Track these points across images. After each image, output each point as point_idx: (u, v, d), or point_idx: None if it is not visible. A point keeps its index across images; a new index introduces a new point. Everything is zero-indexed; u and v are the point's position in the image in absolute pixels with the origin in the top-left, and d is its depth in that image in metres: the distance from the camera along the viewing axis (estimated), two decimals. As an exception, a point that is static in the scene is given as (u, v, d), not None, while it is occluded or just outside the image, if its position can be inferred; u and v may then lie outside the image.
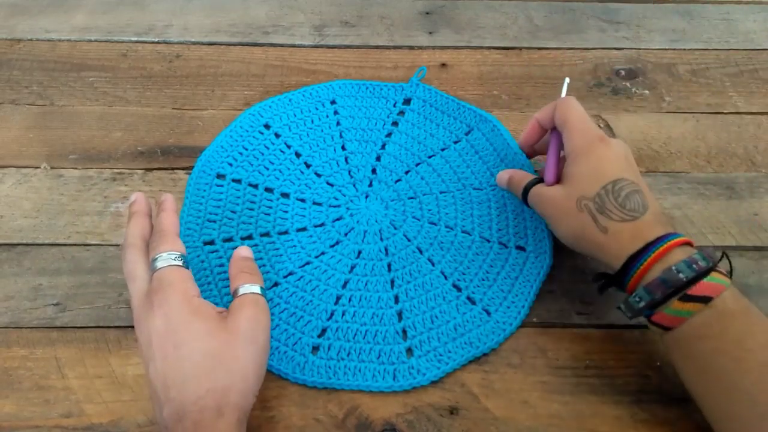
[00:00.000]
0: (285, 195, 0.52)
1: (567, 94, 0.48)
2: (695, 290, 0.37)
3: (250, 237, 0.50)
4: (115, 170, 0.54)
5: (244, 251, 0.43)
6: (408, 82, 0.60)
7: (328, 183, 0.53)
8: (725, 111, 0.60)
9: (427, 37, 0.66)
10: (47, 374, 0.43)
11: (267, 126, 0.57)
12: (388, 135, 0.57)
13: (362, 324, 0.45)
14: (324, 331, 0.45)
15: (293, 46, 0.65)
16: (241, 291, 0.40)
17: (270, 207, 0.51)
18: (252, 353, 0.37)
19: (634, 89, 0.62)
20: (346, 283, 0.48)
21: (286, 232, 0.50)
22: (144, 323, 0.37)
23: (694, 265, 0.37)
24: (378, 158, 0.55)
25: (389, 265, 0.49)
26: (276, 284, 0.47)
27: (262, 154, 0.55)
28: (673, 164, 0.56)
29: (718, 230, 0.51)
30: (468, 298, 0.47)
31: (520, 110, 0.60)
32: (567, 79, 0.50)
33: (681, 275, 0.37)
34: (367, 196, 0.53)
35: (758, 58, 0.65)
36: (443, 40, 0.66)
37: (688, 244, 0.40)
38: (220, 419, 0.35)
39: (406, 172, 0.54)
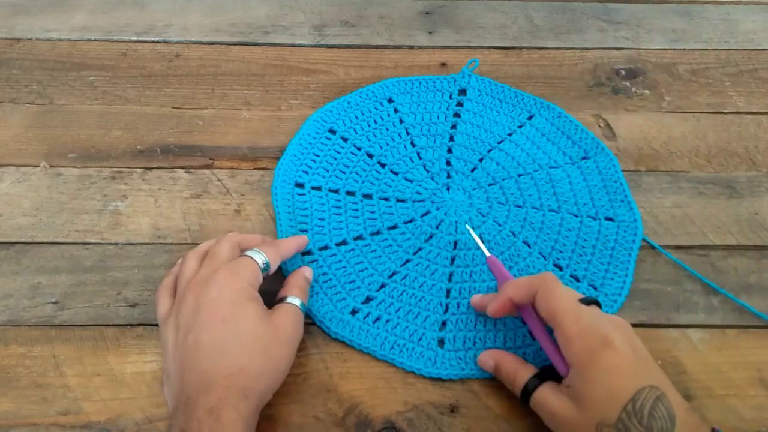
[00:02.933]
0: (367, 196, 0.52)
1: None
2: None
3: (344, 242, 0.49)
4: (115, 169, 0.54)
5: (307, 272, 0.45)
6: (460, 74, 0.61)
7: (406, 179, 0.53)
8: (725, 111, 0.60)
9: (427, 36, 0.66)
10: (45, 372, 0.43)
11: (332, 131, 0.56)
12: (453, 127, 0.57)
13: (480, 314, 0.45)
14: (444, 324, 0.45)
15: (293, 45, 0.65)
16: (289, 300, 0.42)
17: (356, 210, 0.51)
18: (286, 353, 0.40)
19: (634, 89, 0.62)
20: (451, 275, 0.48)
21: (378, 233, 0.50)
22: (201, 290, 0.39)
23: None
24: (449, 150, 0.55)
25: None
26: (383, 285, 0.47)
27: (335, 159, 0.54)
28: (674, 163, 0.56)
29: (719, 229, 0.51)
30: (571, 276, 0.48)
31: (520, 110, 0.60)
32: (469, 228, 0.48)
33: None
34: (448, 188, 0.53)
35: (758, 58, 0.65)
36: (443, 39, 0.66)
37: None
38: (244, 401, 0.36)
39: (480, 160, 0.55)
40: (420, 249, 0.49)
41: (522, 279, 0.41)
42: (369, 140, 0.56)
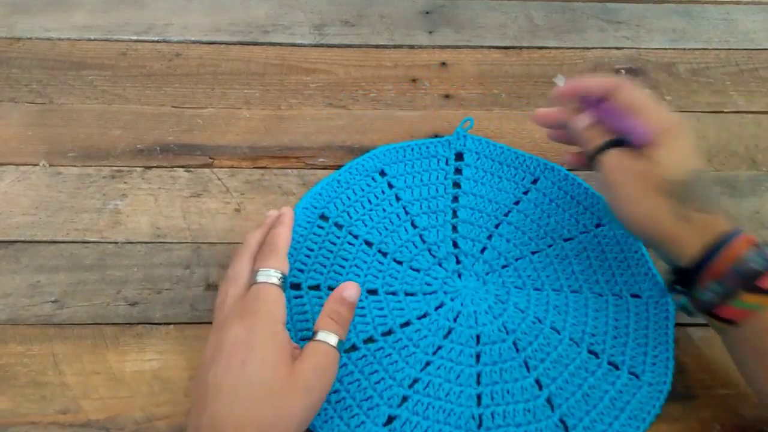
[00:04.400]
0: (372, 292, 0.47)
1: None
2: (765, 282, 0.35)
3: (354, 348, 0.44)
4: (114, 168, 0.54)
5: (347, 291, 0.40)
6: (454, 135, 0.55)
7: (412, 269, 0.48)
8: (726, 110, 0.60)
9: (427, 36, 0.66)
10: (44, 370, 0.42)
11: (324, 217, 0.50)
12: (455, 200, 0.52)
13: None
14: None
15: (293, 45, 0.65)
16: (319, 336, 0.38)
17: (362, 308, 0.46)
18: (303, 405, 0.36)
19: (634, 88, 0.62)
20: (479, 377, 0.43)
21: (390, 332, 0.45)
22: (226, 328, 0.37)
23: (766, 256, 0.36)
24: (454, 228, 0.50)
25: (515, 344, 0.44)
26: (405, 398, 0.42)
27: (331, 252, 0.48)
28: (674, 162, 0.56)
29: (720, 228, 0.51)
30: (609, 362, 0.43)
31: (520, 109, 0.60)
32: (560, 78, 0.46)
33: (753, 265, 0.36)
34: (459, 275, 0.48)
35: (758, 58, 0.65)
36: (443, 39, 0.66)
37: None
38: None
39: (489, 237, 0.50)
40: (440, 347, 0.44)
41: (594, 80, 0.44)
42: (366, 225, 0.50)
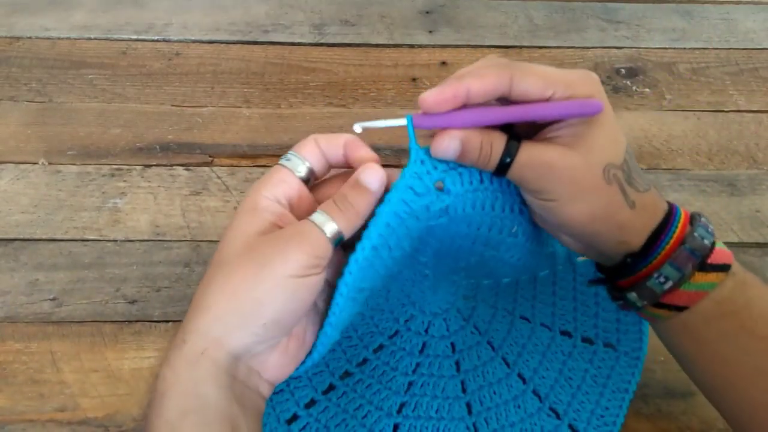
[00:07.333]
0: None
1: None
2: (715, 257, 0.31)
3: (331, 387, 0.41)
4: (114, 166, 0.54)
5: (366, 175, 0.31)
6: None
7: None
8: (726, 109, 0.60)
9: (427, 35, 0.66)
10: (42, 368, 0.42)
11: None
12: None
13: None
14: None
15: (293, 44, 0.65)
16: (312, 216, 0.30)
17: None
18: (267, 277, 0.28)
19: (634, 87, 0.62)
20: (463, 384, 0.42)
21: (365, 361, 0.42)
22: None
23: (709, 229, 0.31)
24: None
25: (490, 343, 0.43)
26: (396, 427, 0.39)
27: None
28: (675, 161, 0.56)
29: (720, 227, 0.51)
30: (583, 339, 0.42)
31: (520, 108, 0.60)
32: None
33: (705, 241, 0.31)
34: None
35: (758, 57, 0.65)
36: (443, 38, 0.66)
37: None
38: (179, 349, 0.28)
39: None
40: (418, 365, 0.42)
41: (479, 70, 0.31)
42: None
